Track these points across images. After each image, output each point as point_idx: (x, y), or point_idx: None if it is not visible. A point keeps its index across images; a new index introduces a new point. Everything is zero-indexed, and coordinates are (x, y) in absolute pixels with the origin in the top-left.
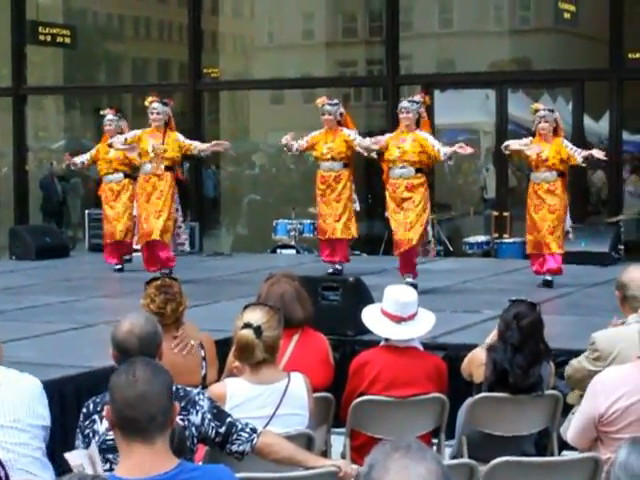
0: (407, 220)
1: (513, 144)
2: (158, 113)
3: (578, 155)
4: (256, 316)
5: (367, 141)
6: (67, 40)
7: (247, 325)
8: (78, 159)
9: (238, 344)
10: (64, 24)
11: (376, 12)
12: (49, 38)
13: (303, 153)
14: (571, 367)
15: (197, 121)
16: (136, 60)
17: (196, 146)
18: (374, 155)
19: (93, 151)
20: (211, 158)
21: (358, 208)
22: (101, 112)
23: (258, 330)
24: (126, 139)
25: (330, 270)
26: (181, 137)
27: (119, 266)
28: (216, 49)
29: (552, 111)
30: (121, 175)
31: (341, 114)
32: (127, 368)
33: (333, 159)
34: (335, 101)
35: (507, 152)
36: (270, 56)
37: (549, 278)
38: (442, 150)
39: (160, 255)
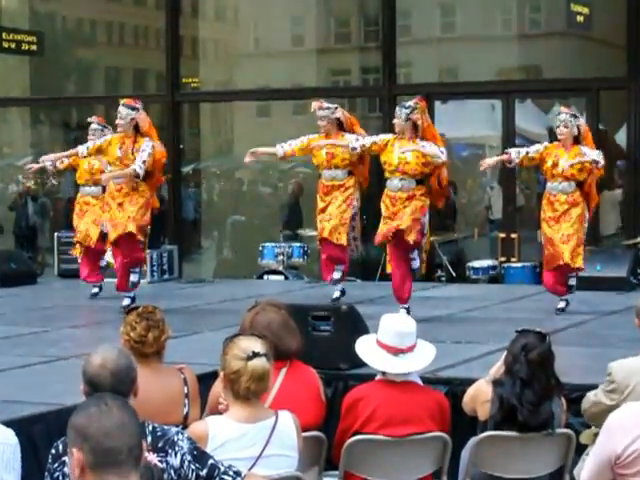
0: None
1: (512, 152)
2: (121, 117)
3: (594, 155)
4: (258, 345)
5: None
6: (33, 47)
7: (256, 354)
8: (48, 158)
9: (253, 375)
10: (30, 30)
11: (371, 16)
12: (14, 45)
13: (295, 156)
14: (587, 400)
15: (176, 135)
16: (109, 69)
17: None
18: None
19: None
20: (191, 176)
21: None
22: (88, 119)
23: (267, 357)
24: (88, 147)
25: (335, 295)
26: (145, 144)
27: (95, 290)
28: (196, 56)
29: (576, 117)
30: (100, 189)
31: (337, 119)
32: (96, 400)
33: (336, 166)
34: (327, 105)
35: (510, 166)
36: (256, 64)
37: (561, 305)
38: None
39: (131, 252)
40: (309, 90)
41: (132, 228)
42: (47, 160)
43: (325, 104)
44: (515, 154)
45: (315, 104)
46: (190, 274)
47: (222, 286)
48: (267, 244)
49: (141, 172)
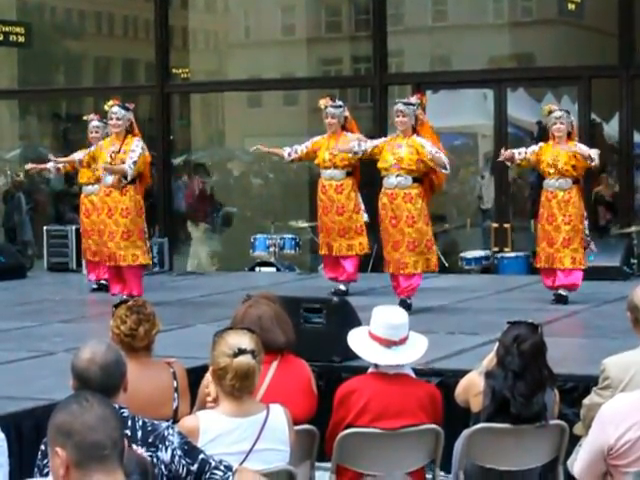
0: (409, 238)
1: (515, 152)
2: (118, 118)
3: (592, 152)
4: (245, 340)
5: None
6: (22, 39)
7: (242, 351)
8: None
9: (238, 373)
10: (18, 21)
11: (362, 4)
12: (1, 37)
13: (302, 161)
14: (584, 407)
15: (166, 127)
16: (98, 60)
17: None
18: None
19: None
20: (182, 167)
21: (367, 219)
22: (84, 117)
23: (254, 355)
24: (82, 157)
25: (332, 290)
26: (135, 144)
27: (95, 285)
28: (186, 47)
29: (568, 113)
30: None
31: (345, 118)
32: (75, 397)
33: (335, 166)
34: (339, 103)
35: (512, 165)
36: (246, 54)
37: (563, 293)
38: (441, 157)
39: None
40: (300, 80)
41: (128, 261)
42: (50, 163)
43: (338, 101)
44: (517, 154)
45: (324, 101)
46: (181, 267)
47: (213, 278)
48: (259, 236)
49: (130, 172)
